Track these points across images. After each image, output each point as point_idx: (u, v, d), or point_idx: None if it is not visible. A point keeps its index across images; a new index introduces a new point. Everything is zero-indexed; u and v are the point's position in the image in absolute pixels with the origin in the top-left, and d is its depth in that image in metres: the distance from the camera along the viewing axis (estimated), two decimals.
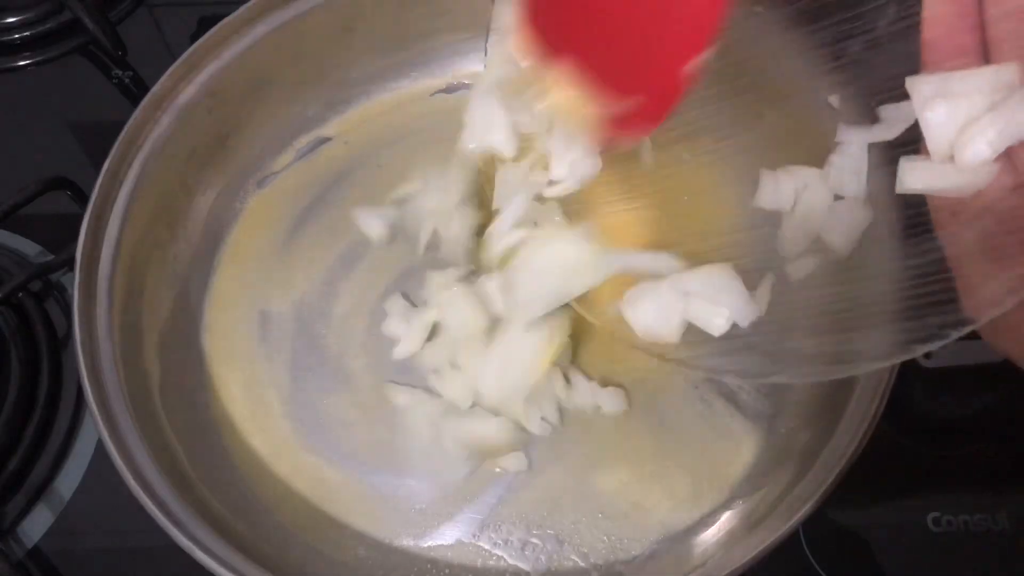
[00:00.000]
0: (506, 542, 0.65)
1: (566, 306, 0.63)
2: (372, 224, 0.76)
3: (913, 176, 0.47)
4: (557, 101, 0.50)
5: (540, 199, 0.65)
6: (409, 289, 0.74)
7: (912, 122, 0.50)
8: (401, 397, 0.70)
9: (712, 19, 0.45)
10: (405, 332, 0.71)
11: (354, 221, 0.77)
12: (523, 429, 0.67)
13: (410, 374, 0.71)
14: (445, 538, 0.65)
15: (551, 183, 0.64)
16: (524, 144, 0.63)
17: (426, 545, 0.65)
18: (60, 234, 0.79)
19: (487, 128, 0.63)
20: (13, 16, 0.93)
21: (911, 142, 0.50)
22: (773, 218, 0.64)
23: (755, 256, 0.63)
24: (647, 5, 0.47)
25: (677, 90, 0.48)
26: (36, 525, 0.69)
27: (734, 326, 0.57)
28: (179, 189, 0.75)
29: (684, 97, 0.49)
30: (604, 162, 0.63)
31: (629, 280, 0.61)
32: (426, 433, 0.68)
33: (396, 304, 0.73)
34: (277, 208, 0.79)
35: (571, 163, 0.62)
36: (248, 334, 0.74)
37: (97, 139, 0.81)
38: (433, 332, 0.71)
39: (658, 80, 0.49)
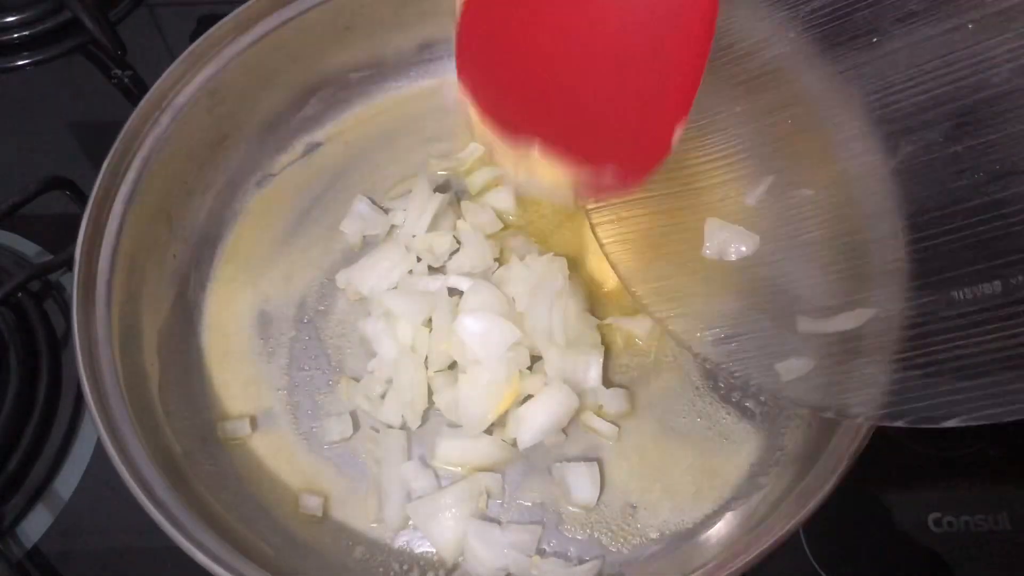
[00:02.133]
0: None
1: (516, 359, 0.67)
2: (352, 228, 0.77)
3: None
4: (534, 177, 0.51)
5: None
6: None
7: None
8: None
9: (693, 84, 0.45)
10: (384, 346, 0.71)
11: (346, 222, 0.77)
12: (513, 446, 0.67)
13: None
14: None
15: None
16: None
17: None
18: (59, 234, 0.79)
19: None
20: (13, 16, 0.93)
21: None
22: None
23: None
24: (622, 84, 0.47)
25: (661, 153, 0.49)
26: (35, 525, 0.69)
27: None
28: (178, 189, 0.75)
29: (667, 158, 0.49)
30: None
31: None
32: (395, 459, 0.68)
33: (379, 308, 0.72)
34: (276, 208, 0.79)
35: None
36: (247, 334, 0.74)
37: (96, 139, 0.81)
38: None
39: (640, 148, 0.49)
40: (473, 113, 0.52)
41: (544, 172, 0.50)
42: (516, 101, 0.50)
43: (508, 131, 0.50)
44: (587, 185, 0.51)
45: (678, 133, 0.47)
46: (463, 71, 0.51)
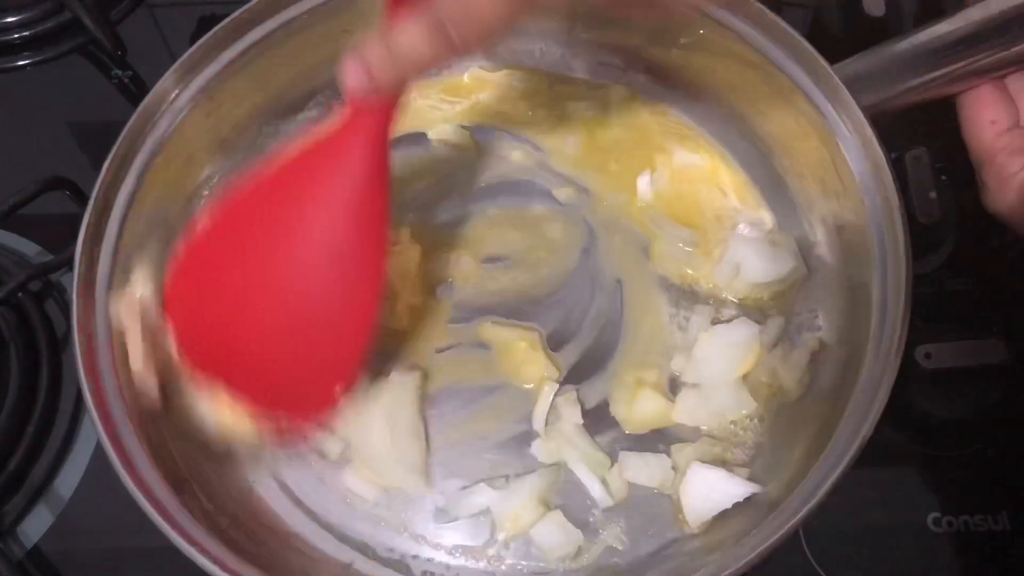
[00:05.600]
0: (505, 544, 0.65)
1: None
2: None
3: None
4: (220, 415, 0.62)
5: None
6: None
7: None
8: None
9: (356, 359, 0.60)
10: None
11: None
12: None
13: None
14: (443, 541, 0.65)
15: None
16: None
17: (425, 548, 0.65)
18: (59, 234, 0.79)
19: None
20: (13, 16, 0.93)
21: None
22: None
23: None
24: (297, 348, 0.59)
25: (329, 407, 0.62)
26: (36, 525, 0.69)
27: None
28: (179, 190, 0.74)
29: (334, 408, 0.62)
30: None
31: None
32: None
33: None
34: None
35: None
36: None
37: (97, 139, 0.81)
38: None
39: (312, 402, 0.62)
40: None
41: (229, 409, 0.62)
42: (210, 346, 0.61)
43: (201, 369, 0.61)
44: (266, 425, 0.62)
45: (341, 393, 0.61)
46: (170, 309, 0.62)
